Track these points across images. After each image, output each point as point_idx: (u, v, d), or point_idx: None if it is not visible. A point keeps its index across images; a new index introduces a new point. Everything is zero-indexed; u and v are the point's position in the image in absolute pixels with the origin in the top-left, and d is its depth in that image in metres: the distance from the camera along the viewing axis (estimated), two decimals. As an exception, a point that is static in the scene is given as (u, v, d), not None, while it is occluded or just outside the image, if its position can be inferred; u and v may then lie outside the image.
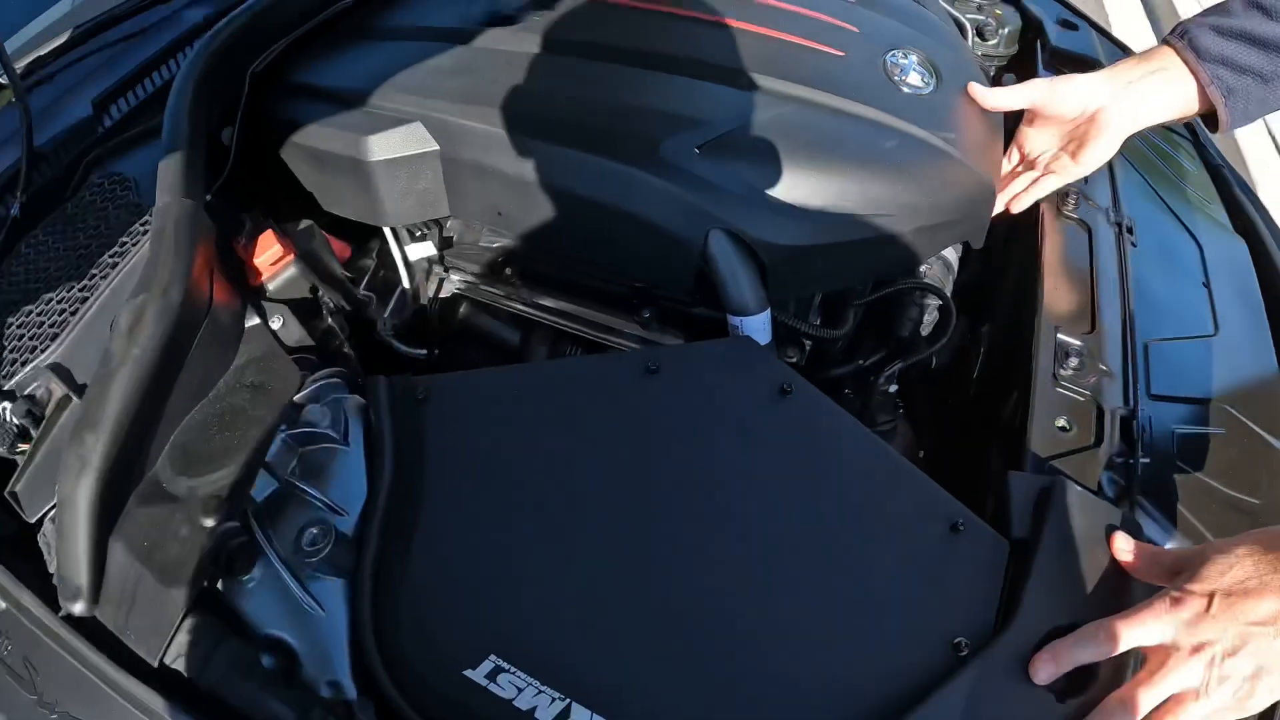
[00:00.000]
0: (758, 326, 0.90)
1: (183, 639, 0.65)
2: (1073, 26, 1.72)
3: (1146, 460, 0.89)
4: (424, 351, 1.17)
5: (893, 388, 0.98)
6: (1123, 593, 0.72)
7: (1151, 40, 4.14)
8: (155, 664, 0.64)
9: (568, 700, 0.64)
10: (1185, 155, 1.56)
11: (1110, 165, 1.30)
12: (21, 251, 1.06)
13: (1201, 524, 0.86)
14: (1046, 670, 0.66)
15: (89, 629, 0.68)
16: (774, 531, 0.74)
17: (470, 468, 0.75)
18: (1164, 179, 1.44)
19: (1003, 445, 0.98)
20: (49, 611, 0.71)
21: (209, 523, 0.68)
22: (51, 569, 0.76)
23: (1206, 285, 1.18)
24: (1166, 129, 1.58)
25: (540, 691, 0.64)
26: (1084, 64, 1.58)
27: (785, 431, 0.79)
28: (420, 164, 1.01)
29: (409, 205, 1.04)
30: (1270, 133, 3.45)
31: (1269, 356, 1.09)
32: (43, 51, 1.48)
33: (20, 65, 1.39)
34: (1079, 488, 0.79)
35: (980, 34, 1.61)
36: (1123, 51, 1.81)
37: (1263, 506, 0.90)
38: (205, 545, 0.67)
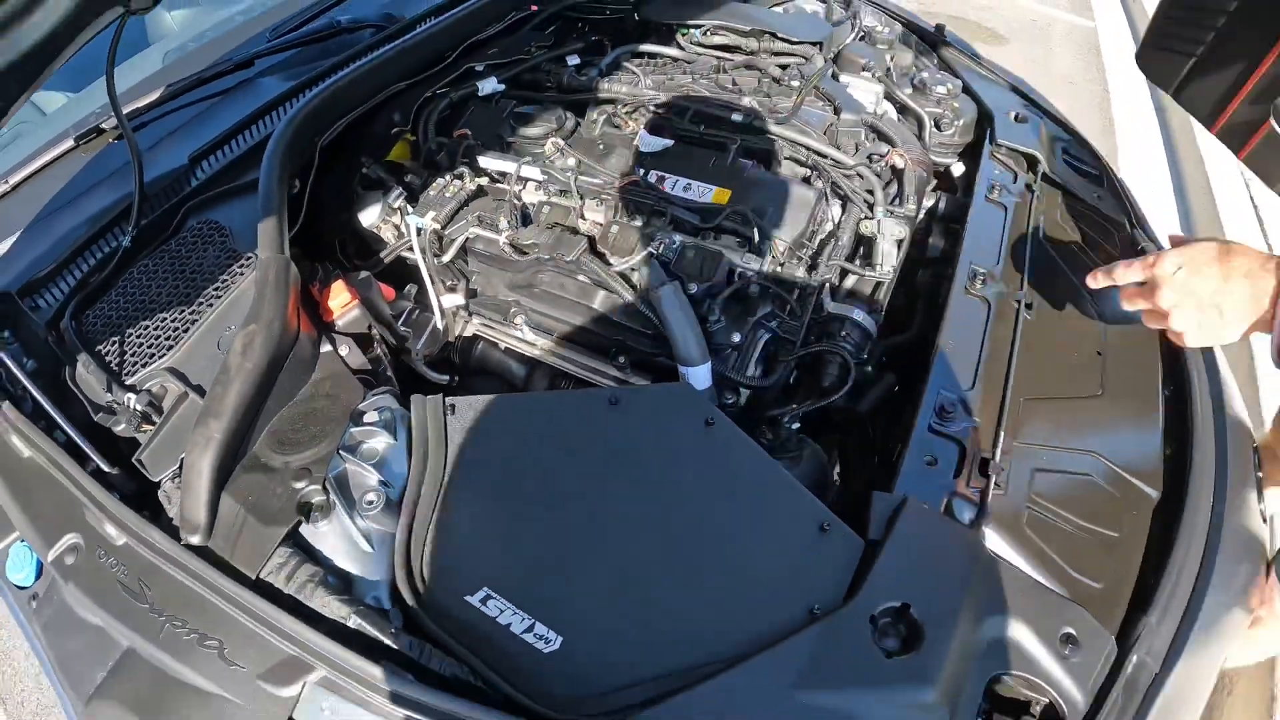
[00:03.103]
0: (700, 375, 1.27)
1: (275, 562, 1.01)
2: (1023, 120, 1.98)
3: (1000, 491, 1.15)
4: (446, 378, 1.54)
5: (795, 425, 1.33)
6: (952, 583, 1.03)
7: (1147, 99, 4.44)
8: (254, 576, 1.01)
9: (533, 620, 0.98)
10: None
11: (1028, 247, 1.60)
12: (134, 277, 1.43)
13: (1049, 547, 1.11)
14: (1097, 280, 1.23)
15: (203, 554, 1.04)
16: (691, 523, 1.08)
17: (480, 463, 1.11)
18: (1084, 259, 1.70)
19: (885, 476, 1.26)
20: (172, 541, 1.06)
21: (298, 485, 1.05)
22: (172, 515, 1.12)
23: (1101, 354, 1.45)
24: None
25: (516, 613, 0.98)
26: (1024, 156, 1.87)
27: (705, 454, 1.14)
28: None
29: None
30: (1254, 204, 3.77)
31: (1155, 417, 1.36)
32: (140, 104, 1.86)
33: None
34: (924, 505, 1.11)
35: (938, 125, 1.90)
36: (1071, 136, 2.08)
37: (1121, 539, 1.17)
38: (295, 501, 1.05)
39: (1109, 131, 4.32)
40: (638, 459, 1.13)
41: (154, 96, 1.89)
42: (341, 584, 1.03)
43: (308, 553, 1.04)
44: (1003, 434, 1.24)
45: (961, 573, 1.04)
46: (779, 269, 1.36)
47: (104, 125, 1.84)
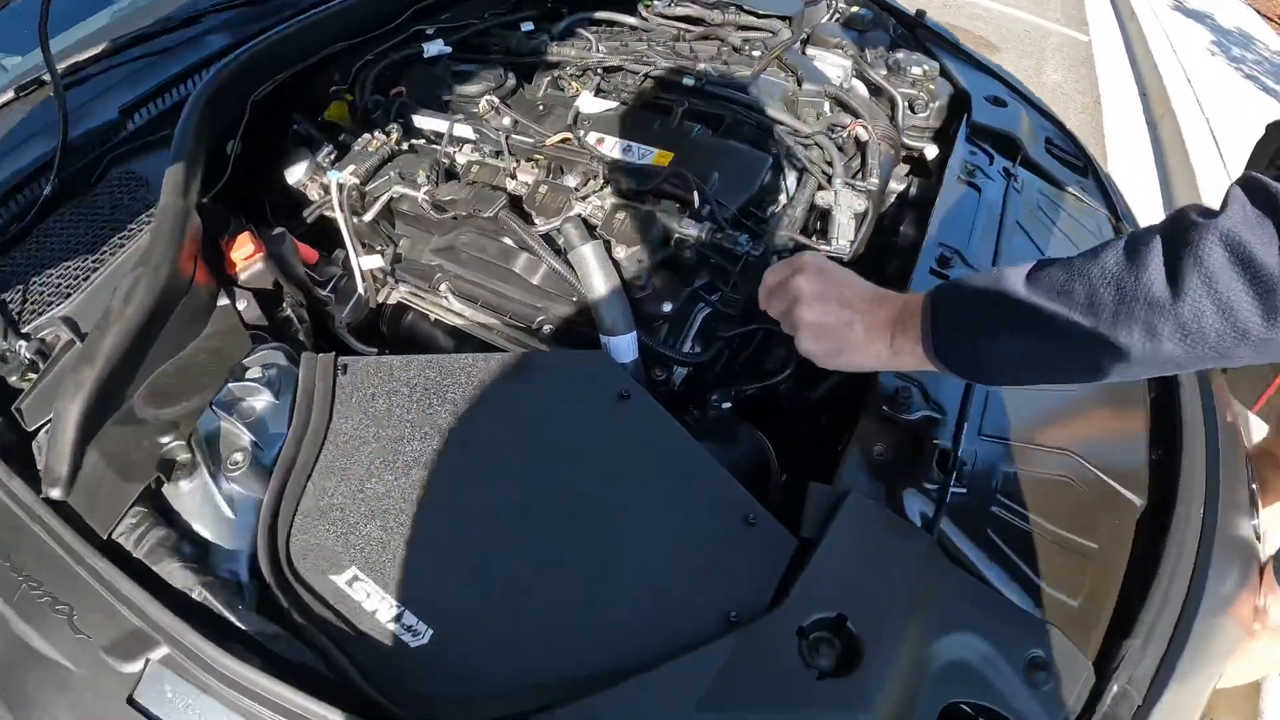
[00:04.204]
0: (622, 345, 1.15)
1: (128, 521, 0.89)
2: (1001, 103, 1.88)
3: (962, 491, 1.00)
4: (375, 350, 1.42)
5: (726, 405, 1.19)
6: (890, 593, 0.86)
7: (1139, 114, 4.34)
8: (105, 537, 0.89)
9: (403, 608, 0.84)
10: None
11: (1000, 229, 1.48)
12: (49, 226, 1.33)
13: (1018, 556, 0.97)
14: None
15: (61, 510, 0.93)
16: (596, 508, 0.93)
17: (368, 428, 0.99)
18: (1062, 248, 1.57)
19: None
20: (32, 493, 0.94)
21: (163, 440, 0.94)
22: (39, 466, 1.00)
23: None
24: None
25: (384, 598, 0.86)
26: (1004, 138, 1.75)
27: (616, 429, 1.00)
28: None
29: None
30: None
31: (1138, 419, 1.22)
32: (81, 57, 1.76)
33: (60, 66, 1.64)
34: (869, 501, 0.94)
35: (911, 107, 1.79)
36: (1055, 126, 1.99)
37: (1101, 551, 1.01)
38: (157, 456, 0.93)
39: (1099, 143, 4.21)
40: (541, 434, 1.00)
41: (96, 50, 1.78)
42: (198, 552, 0.91)
43: (166, 515, 0.92)
44: (966, 425, 1.08)
45: (911, 581, 0.89)
46: (720, 237, 1.24)
47: (45, 77, 1.74)
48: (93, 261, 1.25)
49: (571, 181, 1.31)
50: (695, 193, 1.27)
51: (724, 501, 0.95)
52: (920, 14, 2.25)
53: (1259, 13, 6.95)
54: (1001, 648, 0.86)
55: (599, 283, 1.14)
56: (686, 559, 0.91)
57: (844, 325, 0.93)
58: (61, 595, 0.88)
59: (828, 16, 2.02)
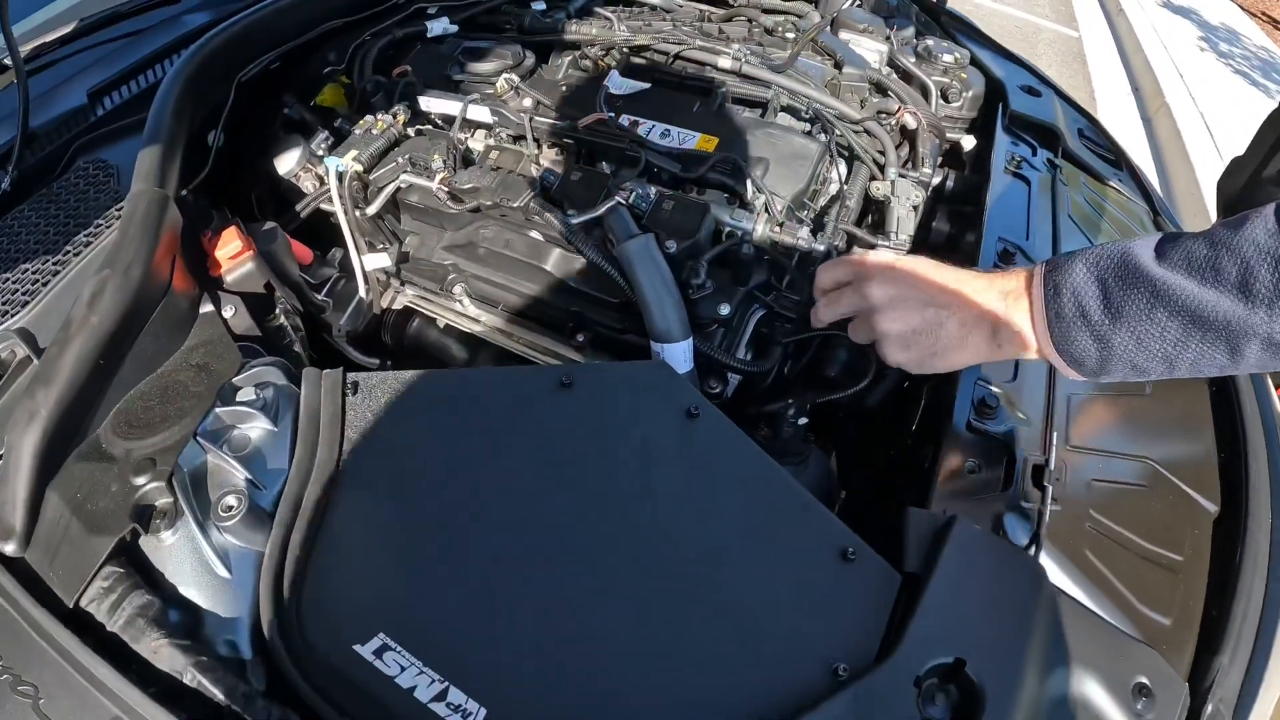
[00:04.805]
0: (678, 354, 0.98)
1: (99, 584, 0.71)
2: (1035, 93, 1.77)
3: (1058, 508, 0.90)
4: (376, 361, 1.24)
5: (802, 421, 1.04)
6: (1015, 630, 0.74)
7: (1132, 109, 4.25)
8: (71, 605, 0.70)
9: (446, 683, 0.67)
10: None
11: (1055, 223, 1.37)
12: (6, 224, 1.14)
13: (1114, 575, 0.88)
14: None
15: (16, 569, 0.74)
16: (666, 545, 0.77)
17: (386, 461, 0.81)
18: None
19: (915, 486, 1.00)
20: (-20, 549, 0.76)
21: (138, 481, 0.75)
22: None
23: None
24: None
25: (422, 672, 0.68)
26: (1043, 130, 1.65)
27: (688, 452, 0.83)
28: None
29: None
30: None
31: (1205, 418, 1.12)
32: (48, 39, 1.56)
33: (25, 49, 1.45)
34: (975, 527, 0.81)
35: (945, 96, 1.66)
36: (1085, 118, 1.87)
37: (1185, 563, 0.92)
38: (131, 502, 0.74)
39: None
40: (596, 461, 0.82)
41: (65, 30, 1.59)
42: (187, 620, 0.72)
43: (146, 575, 0.74)
44: (1054, 435, 0.97)
45: (1025, 614, 0.76)
46: (776, 230, 1.07)
47: (5, 60, 1.54)
48: (54, 264, 1.06)
49: (606, 169, 1.13)
50: (748, 181, 1.10)
51: (817, 535, 0.79)
52: (941, 1, 2.12)
53: (1243, 8, 6.92)
54: (1108, 677, 0.76)
55: (652, 282, 0.96)
56: (781, 605, 0.75)
57: (934, 326, 0.84)
58: (25, 673, 0.70)
59: (849, 2, 1.87)
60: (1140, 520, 0.94)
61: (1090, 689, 0.75)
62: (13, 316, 0.99)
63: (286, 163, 1.25)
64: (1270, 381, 1.26)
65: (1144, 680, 0.76)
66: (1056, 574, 0.85)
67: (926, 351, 0.85)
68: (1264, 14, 7.28)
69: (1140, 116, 4.33)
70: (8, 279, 1.06)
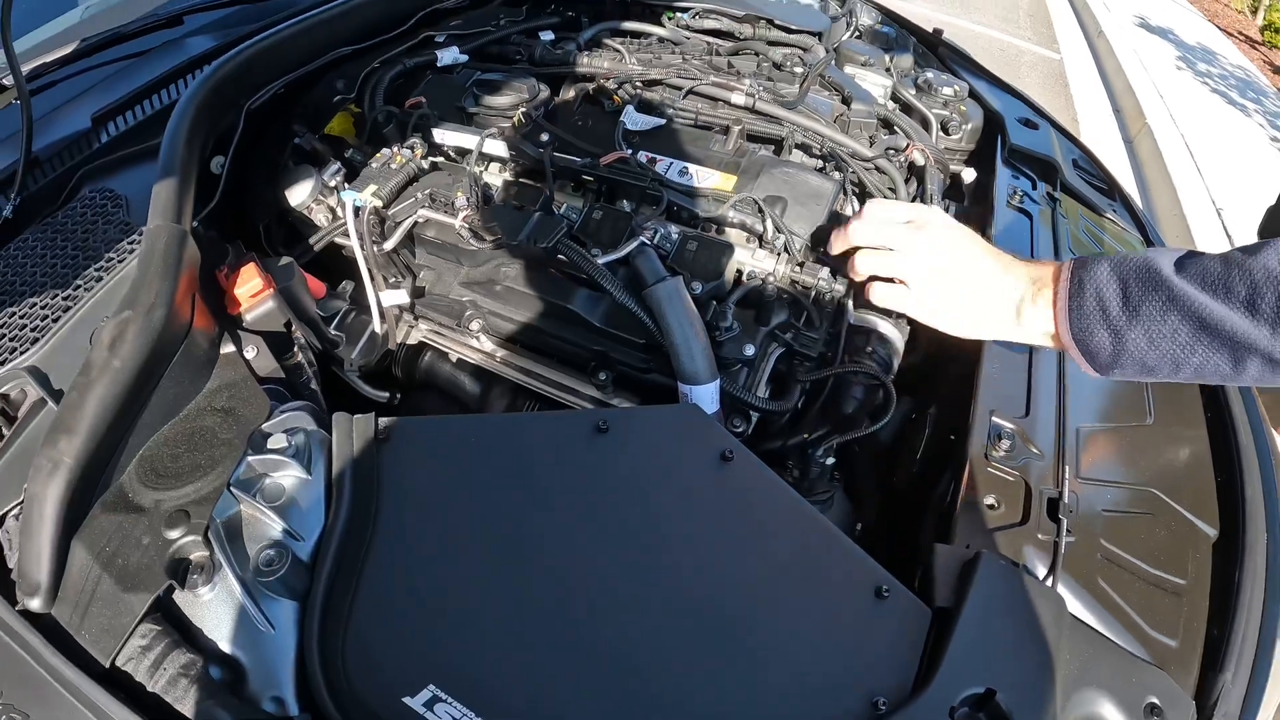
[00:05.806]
0: (706, 396, 0.97)
1: (136, 643, 0.69)
2: (1033, 125, 1.81)
3: (1072, 539, 0.94)
4: (386, 395, 1.22)
5: (829, 460, 1.04)
6: (1040, 659, 0.78)
7: (1114, 131, 4.32)
8: (107, 665, 0.68)
9: None
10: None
11: (1058, 257, 1.39)
12: (9, 254, 1.10)
13: (1125, 600, 0.92)
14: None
15: (43, 625, 0.71)
16: (708, 588, 0.79)
17: (424, 508, 0.80)
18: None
19: (936, 520, 1.04)
20: (4, 604, 0.73)
21: (172, 535, 0.73)
22: (11, 565, 0.79)
23: None
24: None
25: (476, 723, 0.68)
26: (1041, 163, 1.68)
27: (724, 495, 0.85)
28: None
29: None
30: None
31: (1202, 445, 1.16)
32: (48, 59, 1.53)
33: (25, 69, 1.42)
34: (1001, 561, 0.86)
35: (945, 129, 1.68)
36: (1079, 149, 1.91)
37: (1189, 586, 0.97)
38: (166, 556, 0.72)
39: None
40: (635, 505, 0.83)
41: (66, 51, 1.55)
42: (229, 678, 0.70)
43: (184, 631, 0.72)
44: (1066, 468, 1.01)
45: (1048, 644, 0.81)
46: (797, 270, 1.07)
47: (5, 81, 1.50)
48: (63, 298, 1.03)
49: (626, 206, 1.13)
50: (768, 221, 1.10)
51: (853, 574, 0.83)
52: (938, 32, 2.14)
53: (1219, 28, 7.07)
54: (1123, 699, 0.81)
55: (682, 325, 0.96)
56: (821, 642, 0.78)
57: (968, 295, 0.91)
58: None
59: (848, 34, 1.88)
60: (1146, 547, 0.99)
61: (1107, 711, 0.79)
62: (21, 354, 0.95)
63: (298, 194, 1.23)
64: (1268, 421, 1.28)
65: (1155, 700, 0.81)
66: (1073, 602, 0.89)
67: (959, 318, 0.92)
68: (1241, 33, 7.47)
69: (1122, 138, 4.39)
70: (14, 313, 1.03)
